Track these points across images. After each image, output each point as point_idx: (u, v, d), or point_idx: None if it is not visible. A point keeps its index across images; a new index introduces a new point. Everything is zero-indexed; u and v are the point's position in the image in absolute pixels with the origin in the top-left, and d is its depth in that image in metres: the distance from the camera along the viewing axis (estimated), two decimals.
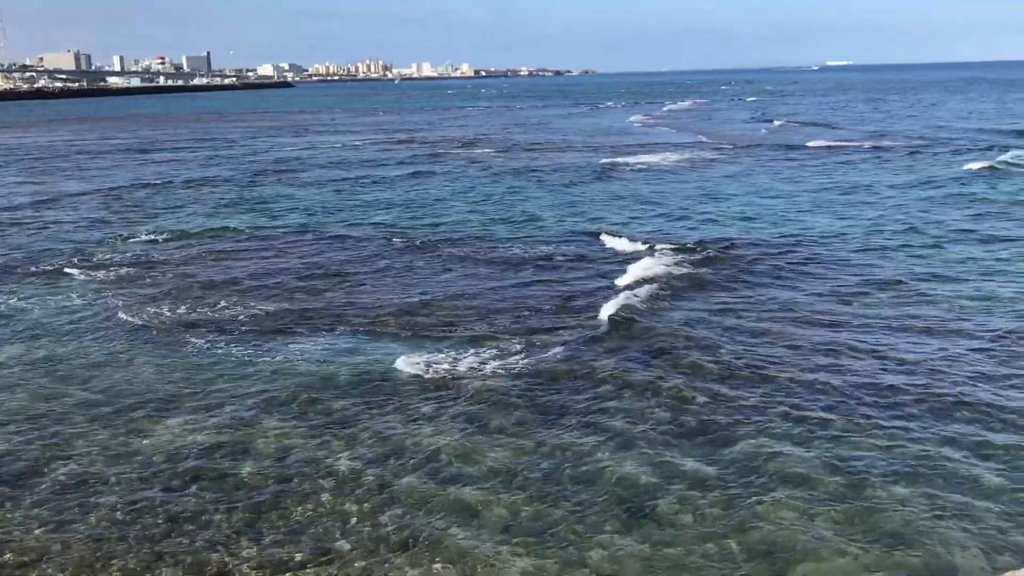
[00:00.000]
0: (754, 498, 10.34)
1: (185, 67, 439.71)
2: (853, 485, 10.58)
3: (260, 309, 19.25)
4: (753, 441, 11.84)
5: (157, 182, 43.66)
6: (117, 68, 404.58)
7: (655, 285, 19.93)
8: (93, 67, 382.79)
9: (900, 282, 19.91)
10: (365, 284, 21.46)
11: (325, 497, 10.71)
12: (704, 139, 61.55)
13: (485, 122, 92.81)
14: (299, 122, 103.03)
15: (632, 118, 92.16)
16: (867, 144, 53.80)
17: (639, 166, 44.75)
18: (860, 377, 14.14)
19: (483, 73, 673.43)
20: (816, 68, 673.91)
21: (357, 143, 66.97)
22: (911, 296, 18.82)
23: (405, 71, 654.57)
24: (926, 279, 20.20)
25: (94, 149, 67.32)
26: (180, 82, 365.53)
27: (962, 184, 34.65)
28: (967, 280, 20.00)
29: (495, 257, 24.04)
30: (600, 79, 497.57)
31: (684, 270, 21.47)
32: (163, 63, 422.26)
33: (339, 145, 65.27)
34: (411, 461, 11.57)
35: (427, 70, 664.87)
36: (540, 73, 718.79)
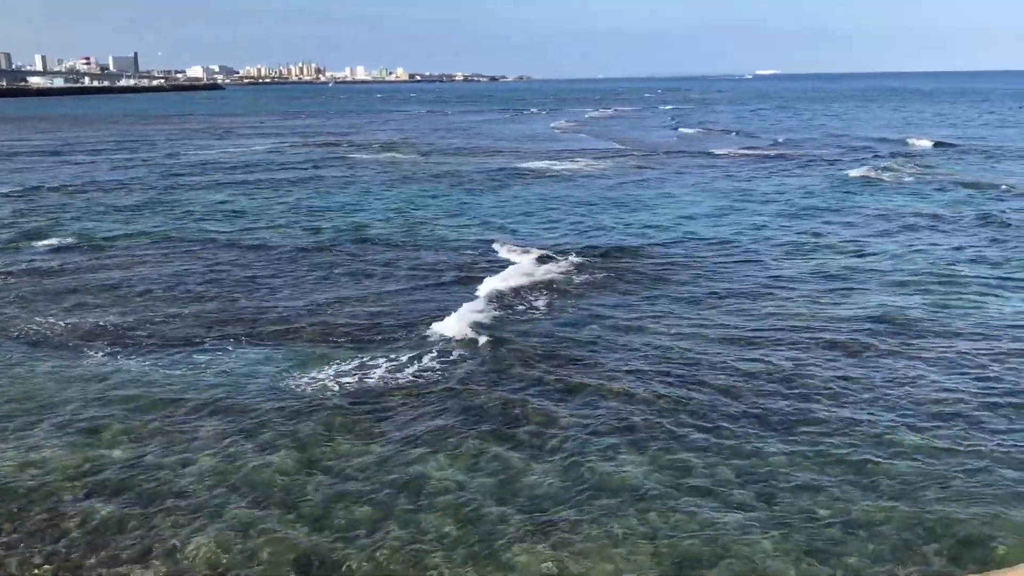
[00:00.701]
0: (595, 521, 10.41)
1: (111, 68, 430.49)
2: (695, 502, 10.75)
3: (163, 318, 19.07)
4: (595, 459, 11.88)
5: (69, 185, 43.62)
6: (39, 68, 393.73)
7: (522, 294, 20.47)
8: (13, 66, 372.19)
9: (768, 290, 20.75)
10: (259, 292, 21.66)
11: (169, 518, 10.69)
12: (618, 145, 63.50)
13: (409, 127, 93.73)
14: (225, 125, 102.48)
15: (554, 124, 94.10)
16: (770, 152, 56.25)
17: (549, 172, 46.25)
18: (714, 393, 14.29)
19: (418, 77, 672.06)
20: (750, 77, 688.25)
21: (281, 146, 67.31)
22: (774, 305, 19.51)
23: (338, 74, 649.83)
24: (794, 286, 21.16)
25: (5, 150, 66.40)
26: (106, 83, 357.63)
27: (838, 192, 36.89)
28: (830, 288, 20.98)
29: (382, 265, 24.41)
30: (534, 85, 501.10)
31: (559, 278, 22.03)
32: (88, 63, 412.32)
33: (261, 149, 65.52)
34: (250, 481, 11.55)
35: (361, 73, 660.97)
36: (475, 78, 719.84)
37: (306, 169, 49.67)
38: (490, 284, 21.50)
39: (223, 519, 10.62)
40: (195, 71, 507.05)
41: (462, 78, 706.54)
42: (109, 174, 48.86)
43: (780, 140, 65.67)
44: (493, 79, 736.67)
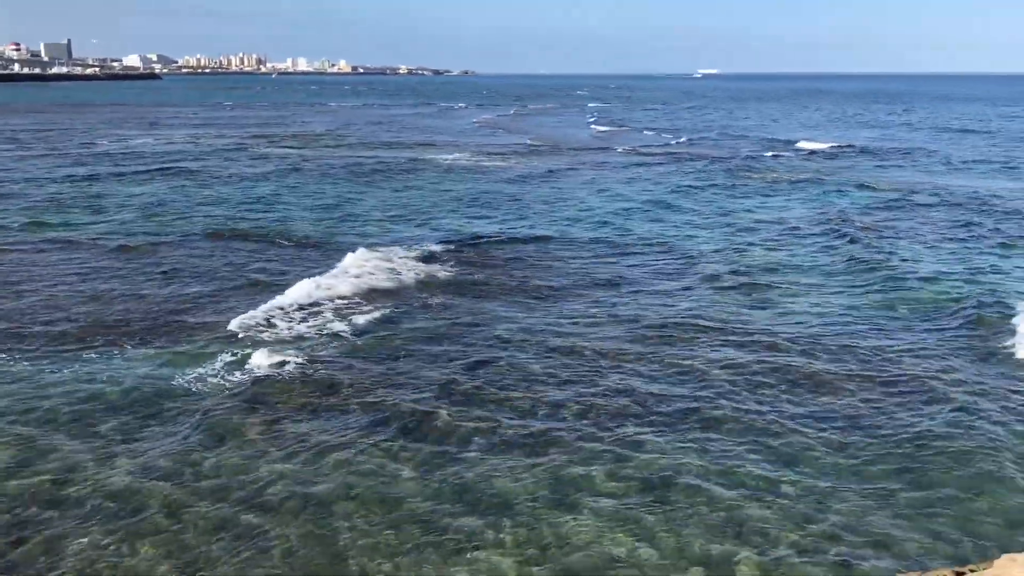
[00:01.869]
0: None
1: (43, 55, 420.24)
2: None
3: (58, 317, 19.10)
4: (364, 475, 12.01)
5: None
6: None
7: (341, 294, 20.68)
8: None
9: (590, 289, 21.93)
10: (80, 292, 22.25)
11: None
12: (528, 141, 65.19)
13: (333, 119, 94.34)
14: (152, 115, 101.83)
15: (476, 119, 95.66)
16: (670, 150, 58.46)
17: (447, 166, 47.84)
18: (499, 408, 14.25)
19: (361, 70, 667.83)
20: (699, 76, 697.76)
21: (201, 138, 67.61)
22: (593, 304, 20.41)
23: (280, 65, 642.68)
24: (618, 284, 22.64)
25: None
26: (37, 70, 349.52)
27: (702, 191, 39.20)
28: (642, 289, 22.44)
29: (222, 263, 24.61)
30: (476, 79, 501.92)
31: (389, 277, 22.25)
32: (18, 49, 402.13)
33: (180, 140, 65.79)
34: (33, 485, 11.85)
35: (303, 65, 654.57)
36: (419, 72, 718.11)
37: (210, 161, 50.29)
38: (304, 287, 20.92)
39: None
40: (132, 60, 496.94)
41: (406, 71, 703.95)
42: (14, 164, 48.91)
43: (683, 139, 68.08)
44: (437, 72, 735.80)
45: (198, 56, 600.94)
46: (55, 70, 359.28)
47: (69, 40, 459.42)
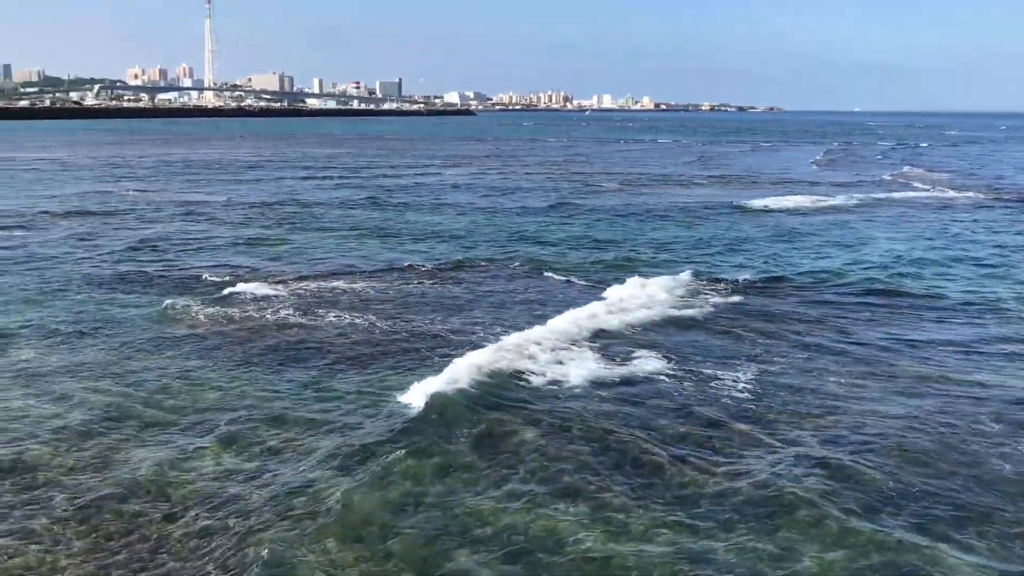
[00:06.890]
0: None
1: (378, 92, 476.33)
2: None
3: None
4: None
5: (289, 199, 49.94)
6: (316, 90, 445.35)
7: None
8: (295, 88, 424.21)
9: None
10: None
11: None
12: (722, 173, 72.11)
13: (584, 154, 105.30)
14: (464, 151, 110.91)
15: (699, 153, 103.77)
16: (846, 186, 61.88)
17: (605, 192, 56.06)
18: None
19: (663, 107, 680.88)
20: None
21: (483, 174, 77.41)
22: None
23: (585, 102, 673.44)
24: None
25: (252, 162, 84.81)
26: (372, 106, 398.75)
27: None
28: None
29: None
30: (779, 116, 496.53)
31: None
32: (358, 87, 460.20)
33: (451, 176, 76.43)
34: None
35: (607, 102, 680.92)
36: (722, 108, 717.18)
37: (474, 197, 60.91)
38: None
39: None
40: (451, 96, 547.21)
41: (708, 108, 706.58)
42: (322, 192, 63.75)
43: (883, 176, 70.42)
44: (741, 109, 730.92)
45: (510, 94, 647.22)
46: (386, 106, 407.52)
47: (400, 79, 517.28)
